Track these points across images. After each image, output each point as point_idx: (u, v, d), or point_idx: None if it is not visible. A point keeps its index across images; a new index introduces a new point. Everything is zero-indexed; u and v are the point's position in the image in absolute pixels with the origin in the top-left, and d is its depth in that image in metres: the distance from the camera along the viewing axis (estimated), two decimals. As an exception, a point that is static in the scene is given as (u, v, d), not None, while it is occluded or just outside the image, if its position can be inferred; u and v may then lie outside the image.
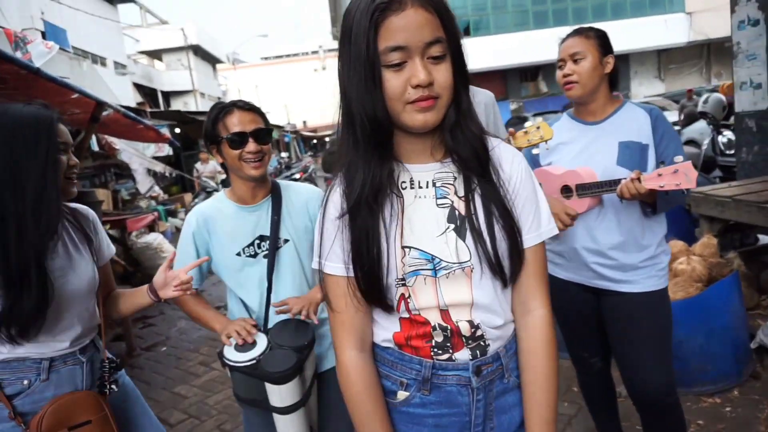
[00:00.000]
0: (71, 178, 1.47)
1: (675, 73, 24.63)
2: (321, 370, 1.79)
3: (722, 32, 21.73)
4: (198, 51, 33.25)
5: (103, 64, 21.60)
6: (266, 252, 1.72)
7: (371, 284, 1.01)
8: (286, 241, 1.74)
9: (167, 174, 9.47)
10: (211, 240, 1.73)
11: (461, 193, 1.02)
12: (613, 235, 1.81)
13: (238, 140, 1.66)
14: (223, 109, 1.70)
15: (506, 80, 23.59)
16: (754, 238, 4.06)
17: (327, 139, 30.72)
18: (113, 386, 1.54)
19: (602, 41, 1.83)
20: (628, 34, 22.17)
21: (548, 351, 1.05)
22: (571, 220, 1.74)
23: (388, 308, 1.03)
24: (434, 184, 1.03)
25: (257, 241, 1.72)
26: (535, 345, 1.06)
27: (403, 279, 1.00)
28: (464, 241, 1.00)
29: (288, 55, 59.25)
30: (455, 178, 1.03)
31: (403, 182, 1.03)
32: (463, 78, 0.98)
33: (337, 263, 1.04)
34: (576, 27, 1.90)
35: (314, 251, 1.09)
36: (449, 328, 1.03)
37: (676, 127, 9.88)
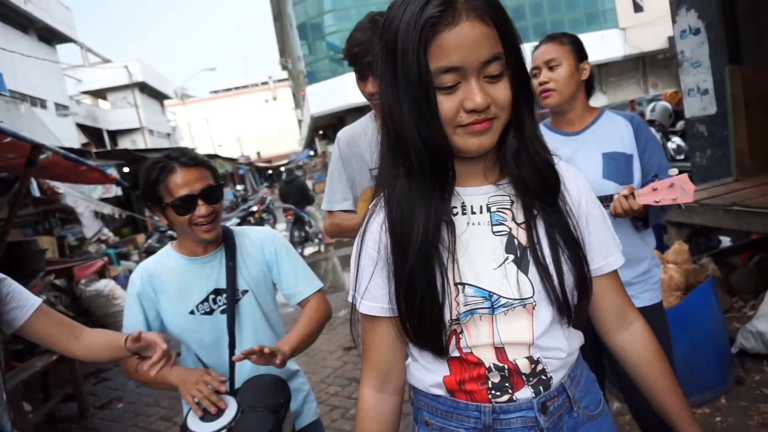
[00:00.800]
0: None
1: (615, 85, 25.68)
2: (298, 428, 1.61)
3: (654, 45, 22.94)
4: (144, 88, 32.71)
5: (44, 106, 20.82)
6: (223, 307, 1.54)
7: (422, 327, 0.89)
8: (245, 292, 1.57)
9: (116, 216, 9.04)
10: (159, 299, 1.54)
11: (520, 219, 0.91)
12: None
13: (186, 205, 1.47)
14: (164, 169, 1.48)
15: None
16: (717, 241, 4.11)
17: (282, 168, 30.43)
18: None
19: (577, 47, 1.76)
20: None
21: (661, 355, 1.03)
22: None
23: (440, 351, 0.91)
24: (489, 209, 0.91)
25: (212, 296, 1.55)
26: (649, 354, 1.02)
27: (457, 319, 0.88)
28: (527, 274, 0.89)
29: (237, 88, 58.96)
30: (512, 203, 0.92)
31: (454, 207, 0.91)
32: (525, 95, 0.86)
33: (374, 303, 0.94)
34: (549, 34, 1.83)
35: (350, 285, 0.99)
36: (506, 367, 0.91)
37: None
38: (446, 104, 0.80)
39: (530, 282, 0.89)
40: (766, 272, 3.22)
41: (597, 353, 1.92)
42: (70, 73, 27.46)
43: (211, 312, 1.54)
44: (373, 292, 0.94)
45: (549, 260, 0.89)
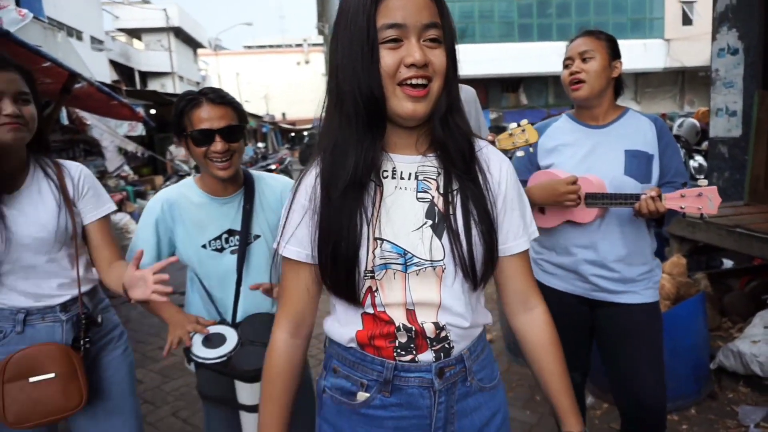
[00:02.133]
0: (12, 124, 1.36)
1: (650, 96, 25.26)
2: None
3: (697, 61, 22.40)
4: (179, 33, 32.66)
5: (79, 37, 20.95)
6: (234, 247, 1.63)
7: (340, 273, 0.97)
8: (257, 237, 1.65)
9: (139, 154, 9.21)
10: (175, 228, 1.62)
11: (443, 189, 0.99)
12: (617, 248, 1.77)
13: (204, 138, 1.52)
14: (191, 100, 1.54)
15: (487, 90, 23.82)
16: (719, 262, 4.16)
17: (305, 133, 30.50)
18: (87, 343, 1.49)
19: (612, 44, 1.80)
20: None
21: (557, 341, 1.11)
22: (577, 186, 1.69)
23: (354, 300, 0.99)
24: (417, 177, 1.00)
25: (225, 236, 1.63)
26: (545, 339, 1.10)
27: (372, 271, 0.97)
28: (440, 239, 0.98)
29: (271, 46, 58.65)
30: (439, 174, 1.00)
31: (385, 171, 1.00)
32: (454, 69, 0.97)
33: (298, 248, 1.02)
34: (587, 29, 1.85)
35: (278, 232, 1.06)
36: (414, 329, 1.00)
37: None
38: (388, 58, 0.90)
39: (442, 246, 0.97)
40: (760, 298, 3.28)
41: (586, 353, 2.00)
42: (108, 8, 27.55)
43: (221, 250, 1.62)
44: (299, 238, 1.01)
45: (461, 229, 0.97)
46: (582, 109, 1.87)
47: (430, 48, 0.91)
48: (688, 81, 25.04)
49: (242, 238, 1.62)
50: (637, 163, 1.75)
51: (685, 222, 3.24)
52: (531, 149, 1.77)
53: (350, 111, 0.93)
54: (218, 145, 1.52)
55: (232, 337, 1.53)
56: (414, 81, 0.90)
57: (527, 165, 1.93)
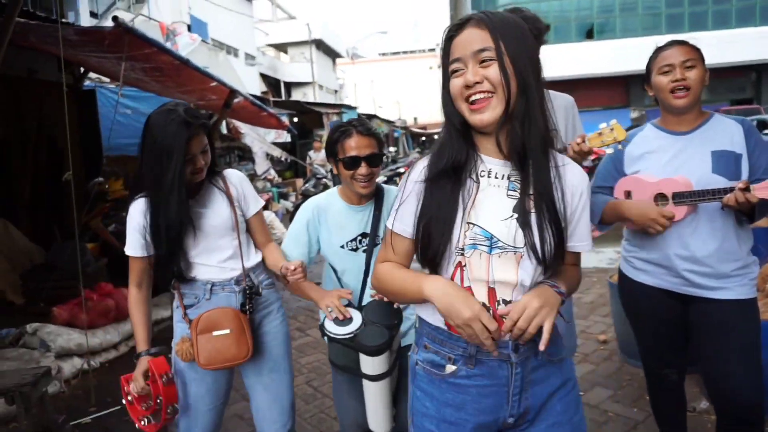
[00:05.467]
0: (196, 172, 1.85)
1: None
2: (403, 344, 2.01)
3: None
4: (320, 45, 34.63)
5: (236, 55, 23.44)
6: (365, 248, 1.94)
7: (432, 246, 1.19)
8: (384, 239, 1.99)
9: (283, 159, 10.22)
10: (321, 229, 1.98)
11: (528, 191, 1.19)
12: (707, 243, 1.80)
13: (352, 163, 1.86)
14: (344, 132, 1.89)
15: (628, 87, 22.27)
16: None
17: (436, 137, 30.85)
18: (250, 308, 1.93)
19: (702, 56, 1.85)
20: (763, 42, 20.07)
21: (577, 273, 1.34)
22: (669, 222, 1.76)
23: (438, 270, 1.22)
24: (509, 178, 1.22)
25: (359, 237, 1.95)
26: (569, 273, 1.30)
27: (462, 249, 1.19)
28: (523, 231, 1.18)
29: (405, 52, 59.94)
30: (521, 178, 1.22)
31: (482, 171, 1.23)
32: (520, 76, 1.14)
33: (406, 225, 1.26)
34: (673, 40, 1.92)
35: (390, 212, 1.32)
36: (491, 309, 1.20)
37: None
38: (455, 83, 1.17)
39: (524, 237, 1.18)
40: None
41: (681, 351, 2.03)
42: (260, 26, 30.38)
43: (356, 250, 1.95)
44: (407, 215, 1.25)
45: (536, 225, 1.18)
46: (670, 116, 1.92)
47: (485, 67, 1.13)
48: None
49: (371, 240, 1.95)
50: (725, 162, 1.77)
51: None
52: (620, 146, 1.84)
53: (449, 124, 1.23)
54: (363, 169, 1.86)
55: (357, 318, 1.79)
56: (473, 97, 1.15)
57: (612, 172, 2.01)
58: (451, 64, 1.18)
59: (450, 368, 1.24)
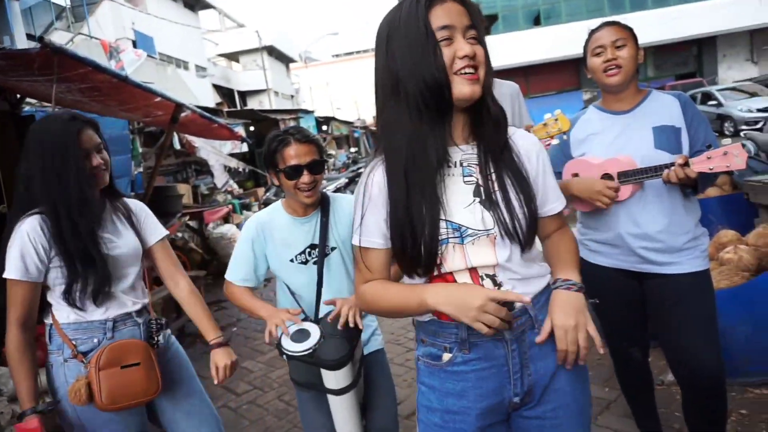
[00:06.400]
0: (96, 173, 1.71)
1: (769, 54, 22.76)
2: (366, 354, 1.97)
3: (825, 7, 19.85)
4: (272, 51, 34.29)
5: (186, 67, 22.98)
6: (316, 259, 1.88)
7: (413, 253, 1.15)
8: (333, 248, 1.92)
9: (241, 169, 10.06)
10: (267, 246, 1.91)
11: (485, 171, 1.18)
12: (657, 219, 1.84)
13: (294, 173, 1.79)
14: (282, 141, 1.81)
15: (579, 70, 22.79)
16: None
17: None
18: (159, 340, 1.81)
19: (635, 35, 1.90)
20: (715, 15, 20.77)
21: (570, 235, 1.32)
22: (615, 193, 1.79)
23: (431, 271, 1.18)
24: (461, 164, 1.19)
25: (308, 249, 1.90)
26: (562, 240, 1.30)
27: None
28: (489, 211, 1.16)
29: (358, 52, 59.94)
30: (479, 158, 1.20)
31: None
32: (490, 65, 1.17)
33: (376, 237, 1.21)
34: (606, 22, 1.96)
35: (354, 229, 1.25)
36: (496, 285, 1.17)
37: (764, 115, 9.24)
38: (446, 53, 1.10)
39: (492, 217, 1.16)
40: None
41: (642, 328, 2.07)
42: (209, 37, 29.86)
43: (306, 262, 1.89)
44: (374, 228, 1.20)
45: (502, 202, 1.17)
46: (609, 96, 1.98)
47: (472, 44, 1.12)
48: (816, 32, 22.22)
49: (320, 250, 1.90)
50: (666, 136, 1.82)
51: (772, 190, 3.10)
52: (565, 137, 1.89)
53: (419, 104, 1.11)
54: (306, 177, 1.80)
55: (315, 333, 1.73)
56: (467, 69, 1.11)
57: (560, 156, 2.04)
58: (438, 30, 1.11)
59: (446, 356, 1.22)
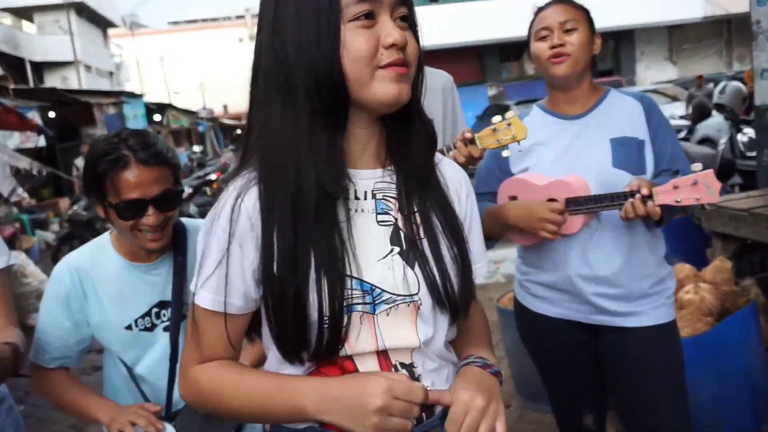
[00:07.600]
0: None
1: (689, 54, 25.71)
2: None
3: (745, 6, 22.77)
4: (83, 10, 32.82)
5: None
6: (167, 323, 1.67)
7: (299, 329, 0.98)
8: None
9: (35, 172, 9.20)
10: (89, 304, 1.64)
11: (406, 210, 1.05)
12: (612, 258, 1.85)
13: (134, 210, 1.52)
14: (116, 161, 1.50)
15: (483, 59, 24.07)
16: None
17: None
18: None
19: (590, 17, 1.90)
20: (632, 6, 23.05)
21: (481, 311, 1.26)
22: (562, 217, 1.74)
23: (325, 358, 1.01)
24: (374, 196, 1.06)
25: (155, 309, 1.68)
26: (475, 316, 1.21)
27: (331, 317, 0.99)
28: (413, 269, 1.03)
29: (205, 20, 58.75)
30: (399, 191, 1.06)
31: (350, 190, 1.04)
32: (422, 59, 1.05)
33: (217, 295, 1.01)
34: None
35: (197, 276, 1.05)
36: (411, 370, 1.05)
37: (686, 123, 10.31)
38: (361, 39, 0.95)
39: (416, 276, 1.04)
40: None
41: (598, 391, 2.09)
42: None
43: (152, 328, 1.67)
44: (215, 280, 1.01)
45: (430, 254, 1.05)
46: (557, 92, 1.97)
47: (402, 29, 0.97)
48: (735, 32, 25.50)
49: (175, 310, 1.65)
50: (626, 151, 1.84)
51: (727, 215, 3.33)
52: (519, 147, 1.82)
53: (315, 106, 0.96)
54: (151, 218, 1.53)
55: None
56: (394, 63, 0.96)
57: (496, 173, 2.00)
58: (350, 3, 0.95)
59: None
